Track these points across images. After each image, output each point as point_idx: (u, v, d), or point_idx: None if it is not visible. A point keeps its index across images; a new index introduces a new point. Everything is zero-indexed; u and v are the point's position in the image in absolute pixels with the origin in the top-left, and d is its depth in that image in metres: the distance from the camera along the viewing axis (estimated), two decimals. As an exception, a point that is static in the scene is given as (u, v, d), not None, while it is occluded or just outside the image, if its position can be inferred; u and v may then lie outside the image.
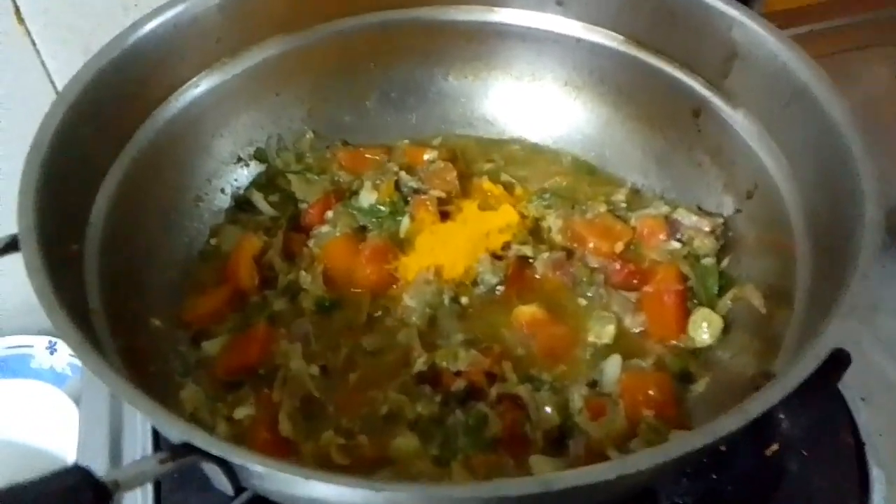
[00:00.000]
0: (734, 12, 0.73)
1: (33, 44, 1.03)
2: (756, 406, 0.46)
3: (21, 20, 1.00)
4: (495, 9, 0.87)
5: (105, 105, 0.69)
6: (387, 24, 0.87)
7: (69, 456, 0.94)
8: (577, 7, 0.84)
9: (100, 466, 0.75)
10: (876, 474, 0.70)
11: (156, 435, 0.77)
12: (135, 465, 0.43)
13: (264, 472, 0.43)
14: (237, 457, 0.43)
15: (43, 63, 1.05)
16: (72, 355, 1.22)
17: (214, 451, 0.43)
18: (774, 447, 0.72)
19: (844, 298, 0.51)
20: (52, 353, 1.24)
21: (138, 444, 0.76)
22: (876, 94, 0.75)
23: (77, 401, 1.01)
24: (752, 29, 0.72)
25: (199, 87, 0.79)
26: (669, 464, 0.43)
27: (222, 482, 0.47)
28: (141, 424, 0.78)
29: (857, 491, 0.69)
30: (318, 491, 0.43)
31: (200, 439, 0.43)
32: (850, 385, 0.75)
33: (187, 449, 0.44)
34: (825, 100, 0.65)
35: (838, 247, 0.58)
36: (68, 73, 1.05)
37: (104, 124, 0.69)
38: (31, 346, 1.22)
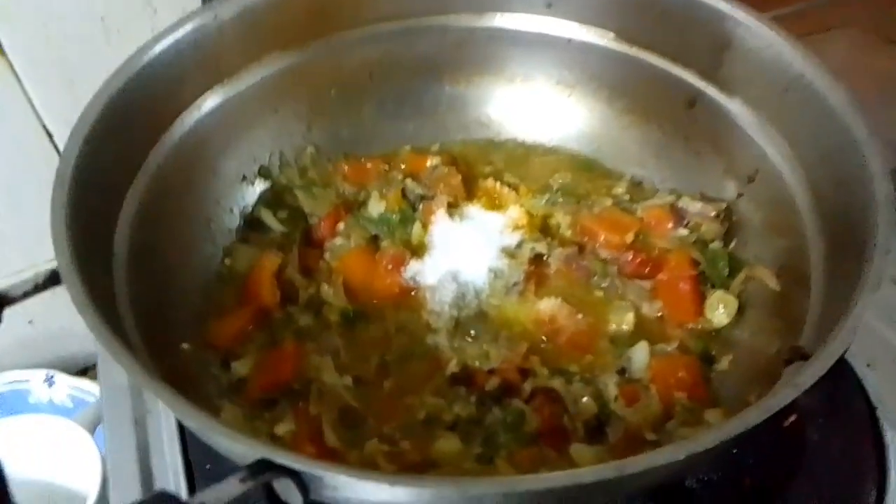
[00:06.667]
0: (723, 5, 0.76)
1: (16, 77, 1.01)
2: (806, 378, 0.48)
3: (3, 53, 0.99)
4: (485, 14, 0.88)
5: (117, 133, 0.68)
6: (378, 36, 0.88)
7: (90, 488, 0.93)
8: (566, 7, 0.86)
9: (133, 496, 0.75)
10: (890, 436, 0.73)
11: (186, 458, 0.76)
12: (218, 487, 0.44)
13: (347, 482, 0.44)
14: (320, 469, 0.44)
15: (27, 96, 1.03)
16: (72, 387, 1.21)
17: (297, 466, 0.44)
18: (792, 418, 0.75)
19: (870, 273, 0.53)
20: (50, 386, 1.22)
21: (169, 471, 0.76)
22: (842, 74, 0.78)
23: (90, 431, 1.00)
24: (742, 20, 0.74)
25: (202, 109, 0.79)
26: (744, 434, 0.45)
27: (293, 495, 0.48)
28: (169, 451, 0.77)
29: (873, 452, 0.73)
30: (400, 496, 0.44)
31: (282, 456, 0.44)
32: (855, 353, 0.78)
33: (264, 466, 0.45)
34: (823, 86, 0.68)
35: (851, 224, 0.61)
36: (53, 106, 1.05)
37: (118, 153, 0.69)
38: (28, 381, 1.20)
